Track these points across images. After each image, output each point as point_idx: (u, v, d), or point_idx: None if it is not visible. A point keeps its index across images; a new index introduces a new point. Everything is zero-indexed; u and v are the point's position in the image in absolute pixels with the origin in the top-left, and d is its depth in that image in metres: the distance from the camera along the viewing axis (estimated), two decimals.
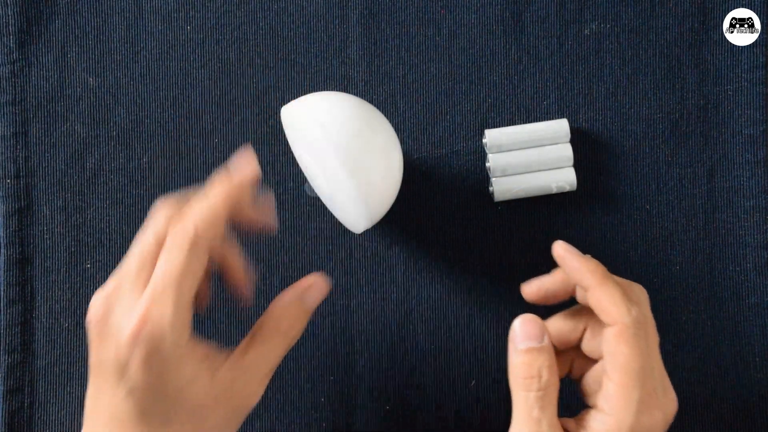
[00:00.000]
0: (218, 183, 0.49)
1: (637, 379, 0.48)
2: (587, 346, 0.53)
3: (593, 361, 0.53)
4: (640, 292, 0.51)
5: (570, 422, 0.50)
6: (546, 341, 0.50)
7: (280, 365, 0.62)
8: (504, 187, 0.61)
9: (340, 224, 0.63)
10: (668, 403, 0.50)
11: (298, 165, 0.62)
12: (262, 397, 0.62)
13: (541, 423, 0.48)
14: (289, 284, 0.62)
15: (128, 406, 0.46)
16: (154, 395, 0.46)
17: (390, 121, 0.63)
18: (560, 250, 0.51)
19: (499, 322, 0.62)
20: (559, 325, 0.53)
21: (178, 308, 0.46)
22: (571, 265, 0.51)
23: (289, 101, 0.63)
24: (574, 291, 0.53)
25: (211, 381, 0.47)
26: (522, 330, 0.50)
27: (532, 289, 0.53)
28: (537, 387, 0.49)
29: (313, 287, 0.51)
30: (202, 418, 0.47)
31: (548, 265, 0.62)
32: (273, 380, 0.62)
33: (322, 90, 0.63)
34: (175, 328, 0.45)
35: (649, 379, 0.48)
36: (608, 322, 0.49)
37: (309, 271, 0.62)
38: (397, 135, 0.63)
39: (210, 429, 0.47)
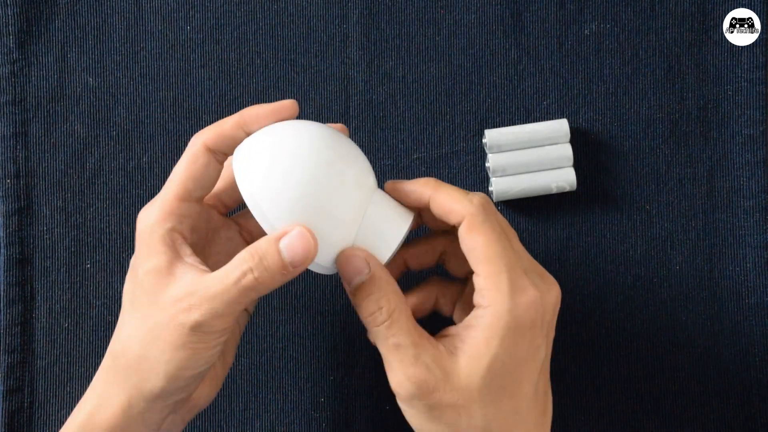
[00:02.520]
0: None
1: (501, 263, 0.48)
2: (452, 267, 0.54)
3: (457, 291, 0.54)
4: (480, 194, 0.50)
5: (451, 328, 0.49)
6: (373, 268, 0.48)
7: (279, 365, 0.62)
8: (504, 187, 0.61)
9: None
10: (548, 286, 0.49)
11: None
12: (262, 397, 0.62)
13: (401, 347, 0.47)
14: (290, 286, 0.62)
15: (126, 284, 0.51)
16: (131, 275, 0.50)
17: (390, 121, 0.63)
18: (390, 184, 0.51)
19: None
20: (414, 251, 0.54)
21: (162, 198, 0.50)
22: (405, 190, 0.50)
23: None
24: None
25: (161, 280, 0.48)
26: (345, 270, 0.48)
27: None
28: (381, 319, 0.48)
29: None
30: (148, 308, 0.48)
31: (548, 265, 0.62)
32: (273, 380, 0.62)
33: (322, 90, 0.63)
34: (150, 214, 0.50)
35: (515, 262, 0.48)
36: (456, 220, 0.48)
37: (309, 272, 0.62)
38: (397, 135, 0.63)
39: (154, 326, 0.48)
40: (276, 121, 0.51)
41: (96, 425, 0.49)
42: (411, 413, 0.49)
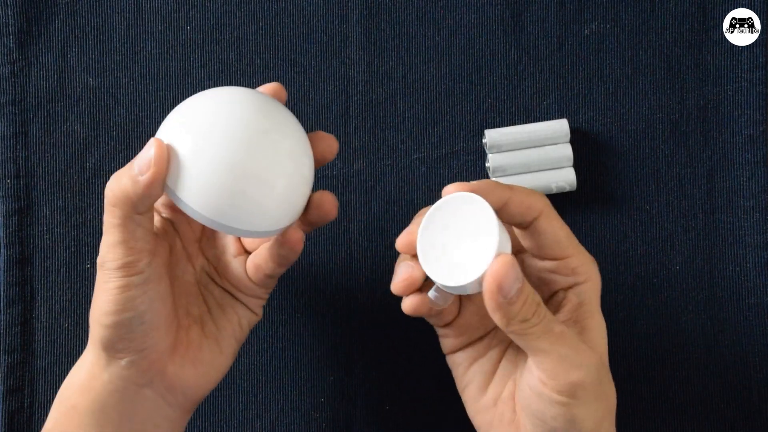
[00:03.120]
0: None
1: (577, 241, 0.51)
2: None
3: None
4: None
5: (559, 316, 0.51)
6: (520, 282, 0.47)
7: (279, 365, 0.62)
8: None
9: (340, 224, 0.63)
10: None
11: None
12: (262, 397, 0.62)
13: (565, 335, 0.48)
14: (290, 286, 0.63)
15: None
16: None
17: (390, 121, 0.63)
18: (463, 188, 0.49)
19: None
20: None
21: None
22: (485, 192, 0.49)
23: (288, 101, 0.63)
24: None
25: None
26: (508, 278, 0.46)
27: (403, 240, 0.51)
28: (544, 312, 0.47)
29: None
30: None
31: None
32: (273, 380, 0.62)
33: (321, 90, 0.63)
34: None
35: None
36: (534, 214, 0.50)
37: (309, 272, 0.62)
38: (397, 135, 0.63)
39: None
40: None
41: (71, 386, 0.52)
42: (554, 402, 0.48)
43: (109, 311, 0.49)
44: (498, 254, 0.46)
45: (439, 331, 0.54)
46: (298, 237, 0.51)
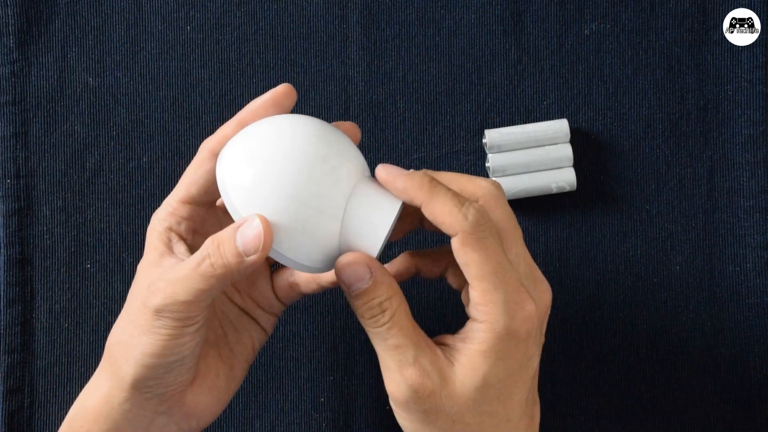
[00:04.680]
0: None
1: (496, 280, 0.46)
2: (452, 280, 0.53)
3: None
4: (486, 184, 0.49)
5: (447, 337, 0.49)
6: (375, 274, 0.47)
7: (279, 365, 0.62)
8: (504, 187, 0.61)
9: None
10: (541, 294, 0.49)
11: None
12: (262, 397, 0.62)
13: (401, 348, 0.47)
14: None
15: None
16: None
17: (390, 121, 0.63)
18: (382, 173, 0.48)
19: None
20: (419, 261, 0.53)
21: (167, 200, 0.51)
22: (397, 188, 0.48)
23: None
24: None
25: (148, 271, 0.50)
26: (346, 277, 0.47)
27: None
28: (383, 320, 0.47)
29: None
30: (131, 296, 0.50)
31: (548, 265, 0.62)
32: (273, 380, 0.62)
33: (322, 90, 0.63)
34: (155, 215, 0.51)
35: (510, 276, 0.47)
36: (449, 233, 0.47)
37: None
38: (397, 135, 0.63)
39: (130, 312, 0.49)
40: (275, 111, 0.50)
41: (84, 412, 0.51)
42: (405, 416, 0.49)
43: (154, 354, 0.47)
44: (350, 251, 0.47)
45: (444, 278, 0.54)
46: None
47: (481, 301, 0.47)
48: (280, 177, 0.46)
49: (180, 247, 0.50)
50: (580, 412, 0.62)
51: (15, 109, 0.62)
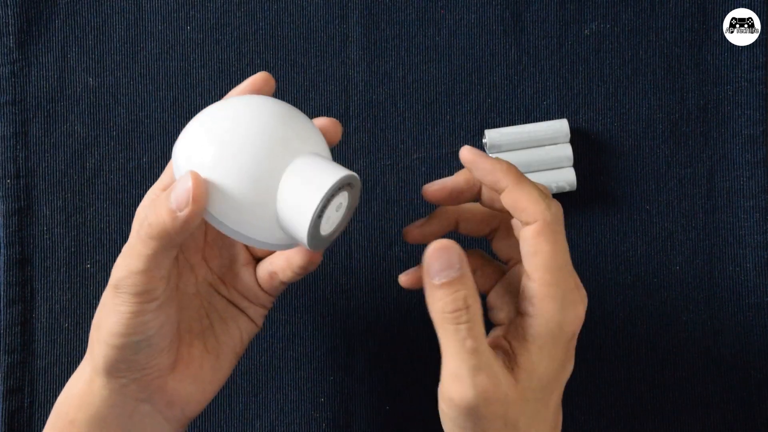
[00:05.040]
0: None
1: (559, 276, 0.47)
2: (499, 246, 0.52)
3: (497, 275, 0.53)
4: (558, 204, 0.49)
5: (498, 339, 0.49)
6: (465, 266, 0.46)
7: (279, 365, 0.62)
8: None
9: None
10: (584, 299, 0.49)
11: None
12: (262, 397, 0.62)
13: (477, 352, 0.46)
14: (290, 286, 0.63)
15: None
16: None
17: (390, 121, 0.63)
18: (469, 154, 0.49)
19: None
20: (469, 215, 0.52)
21: (153, 188, 0.51)
22: (485, 167, 0.48)
23: (288, 101, 0.63)
24: (479, 192, 0.51)
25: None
26: (437, 261, 0.46)
27: (435, 187, 0.50)
28: (466, 318, 0.46)
29: None
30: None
31: None
32: (273, 380, 0.62)
33: (322, 90, 0.63)
34: (143, 202, 0.51)
35: (570, 276, 0.48)
36: (527, 220, 0.47)
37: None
38: (397, 135, 0.63)
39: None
40: None
41: (70, 399, 0.51)
42: (455, 421, 0.47)
43: (118, 333, 0.48)
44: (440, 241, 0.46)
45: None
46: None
47: (540, 294, 0.47)
48: (222, 148, 0.46)
49: None
50: (580, 412, 0.62)
51: (15, 109, 0.62)
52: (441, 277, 0.46)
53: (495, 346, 0.48)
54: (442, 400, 0.47)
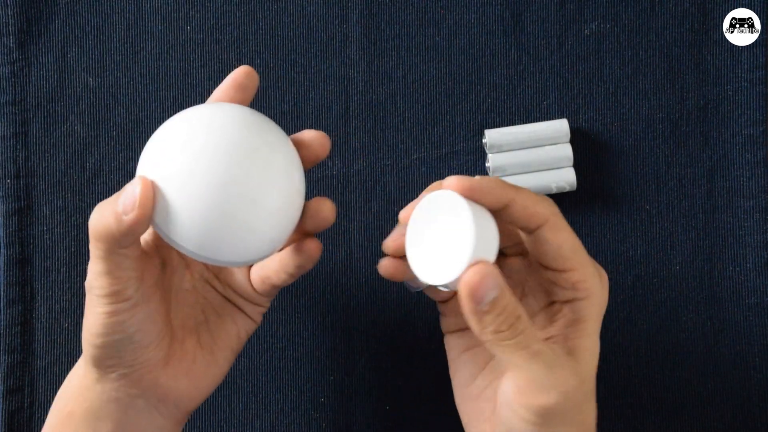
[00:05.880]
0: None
1: (586, 256, 0.48)
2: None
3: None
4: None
5: (550, 329, 0.49)
6: (500, 279, 0.45)
7: (279, 365, 0.62)
8: None
9: (340, 224, 0.63)
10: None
11: None
12: (262, 397, 0.62)
13: (543, 353, 0.46)
14: (290, 286, 0.63)
15: None
16: None
17: (390, 121, 0.63)
18: (460, 182, 0.46)
19: None
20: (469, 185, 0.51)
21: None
22: (482, 188, 0.46)
23: (288, 101, 0.63)
24: None
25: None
26: (479, 290, 0.44)
27: (390, 244, 0.50)
28: (522, 327, 0.45)
29: None
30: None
31: None
32: (273, 380, 0.62)
33: (322, 90, 0.63)
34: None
35: (588, 255, 0.49)
36: (539, 222, 0.47)
37: (309, 272, 0.62)
38: (397, 135, 0.63)
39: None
40: (238, 95, 0.50)
41: (69, 393, 0.52)
42: (538, 426, 0.47)
43: (97, 333, 0.48)
44: (475, 260, 0.44)
45: (439, 307, 0.53)
46: (315, 245, 0.50)
47: (581, 276, 0.48)
48: (204, 175, 0.45)
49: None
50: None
51: (15, 109, 0.62)
52: (485, 304, 0.45)
53: (547, 339, 0.49)
54: (524, 410, 0.46)
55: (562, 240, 0.48)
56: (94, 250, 0.47)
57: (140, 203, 0.45)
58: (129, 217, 0.46)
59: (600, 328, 0.49)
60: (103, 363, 0.49)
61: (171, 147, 0.46)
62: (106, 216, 0.46)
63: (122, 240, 0.46)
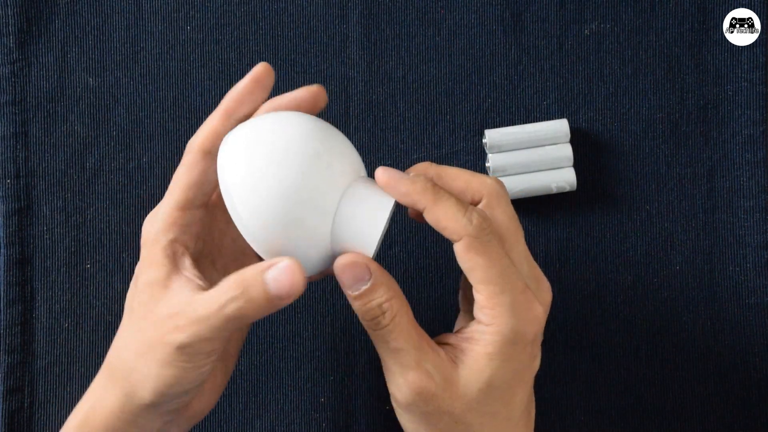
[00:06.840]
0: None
1: (502, 283, 0.46)
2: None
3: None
4: (491, 182, 0.49)
5: (450, 337, 0.49)
6: (374, 274, 0.47)
7: (279, 365, 0.62)
8: None
9: None
10: (544, 294, 0.49)
11: None
12: (262, 397, 0.62)
13: (401, 351, 0.47)
14: None
15: (129, 291, 0.52)
16: (134, 282, 0.51)
17: (390, 121, 0.63)
18: (383, 177, 0.48)
19: None
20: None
21: (164, 208, 0.50)
22: (400, 192, 0.47)
23: None
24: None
25: (156, 293, 0.48)
26: (346, 277, 0.47)
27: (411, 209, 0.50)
28: (384, 323, 0.47)
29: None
30: (142, 321, 0.48)
31: (548, 265, 0.62)
32: (273, 380, 0.62)
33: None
34: (153, 224, 0.49)
35: (516, 278, 0.47)
36: (453, 238, 0.47)
37: None
38: (397, 135, 0.63)
39: (145, 341, 0.48)
40: (257, 94, 0.50)
41: (92, 425, 0.50)
42: (407, 418, 0.49)
43: (175, 384, 0.47)
44: (352, 249, 0.47)
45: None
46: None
47: (488, 304, 0.47)
48: (276, 177, 0.46)
49: (186, 262, 0.49)
50: (580, 412, 0.62)
51: (15, 109, 0.62)
52: (353, 290, 0.47)
53: (443, 344, 0.49)
54: (391, 400, 0.49)
55: (474, 264, 0.46)
56: (223, 323, 0.46)
57: (295, 291, 0.45)
58: (284, 302, 0.45)
59: (520, 354, 0.47)
60: (163, 406, 0.48)
61: (249, 161, 0.47)
62: (259, 299, 0.45)
63: (260, 316, 0.46)
